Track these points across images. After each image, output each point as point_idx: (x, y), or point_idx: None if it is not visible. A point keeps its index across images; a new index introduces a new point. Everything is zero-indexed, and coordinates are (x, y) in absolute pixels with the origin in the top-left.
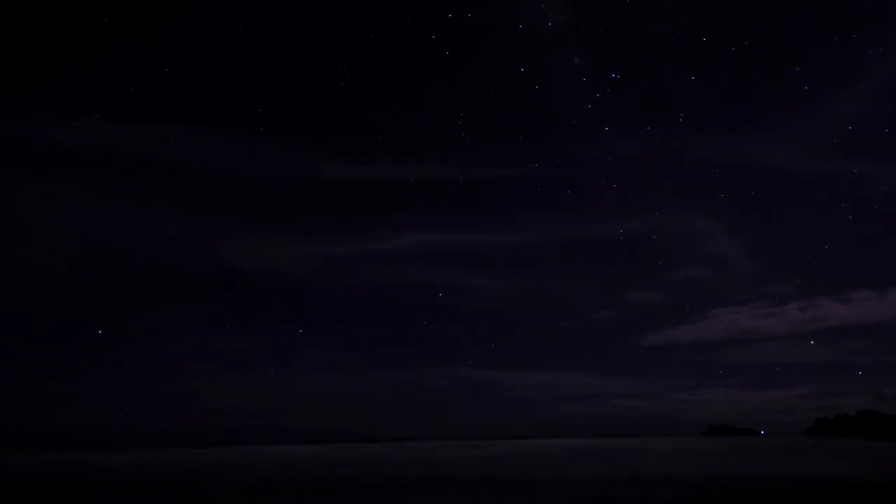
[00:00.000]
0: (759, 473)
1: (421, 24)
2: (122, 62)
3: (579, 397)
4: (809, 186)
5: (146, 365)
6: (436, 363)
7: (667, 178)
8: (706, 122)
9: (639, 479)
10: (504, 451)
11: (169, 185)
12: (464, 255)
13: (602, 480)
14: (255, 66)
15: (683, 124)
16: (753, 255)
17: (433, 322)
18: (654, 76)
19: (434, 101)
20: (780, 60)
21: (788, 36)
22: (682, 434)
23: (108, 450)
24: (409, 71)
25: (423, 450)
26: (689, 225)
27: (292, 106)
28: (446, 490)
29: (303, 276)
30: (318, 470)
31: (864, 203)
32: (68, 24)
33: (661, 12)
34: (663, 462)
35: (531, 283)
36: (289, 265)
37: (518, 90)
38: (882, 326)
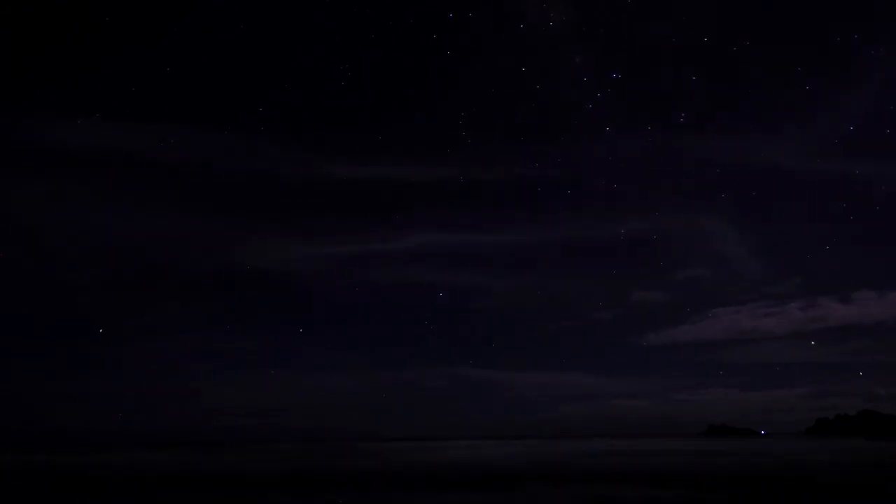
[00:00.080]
0: (759, 473)
1: (422, 24)
2: (122, 62)
3: (579, 397)
4: (810, 186)
5: (146, 365)
6: (436, 363)
7: (667, 178)
8: (707, 122)
9: (638, 479)
10: (504, 451)
11: (169, 185)
12: (464, 255)
13: (602, 480)
14: (255, 66)
15: (684, 124)
16: (754, 255)
17: (433, 322)
18: (654, 76)
19: (434, 101)
20: (781, 60)
21: (789, 36)
22: (682, 434)
23: (109, 450)
24: (409, 71)
25: (424, 450)
26: (690, 225)
27: (292, 106)
28: (447, 490)
29: (303, 276)
30: (318, 468)
31: (864, 203)
32: (68, 24)
33: (661, 12)
34: (663, 462)
35: (531, 283)
36: (289, 265)
37: (518, 90)
38: (882, 326)
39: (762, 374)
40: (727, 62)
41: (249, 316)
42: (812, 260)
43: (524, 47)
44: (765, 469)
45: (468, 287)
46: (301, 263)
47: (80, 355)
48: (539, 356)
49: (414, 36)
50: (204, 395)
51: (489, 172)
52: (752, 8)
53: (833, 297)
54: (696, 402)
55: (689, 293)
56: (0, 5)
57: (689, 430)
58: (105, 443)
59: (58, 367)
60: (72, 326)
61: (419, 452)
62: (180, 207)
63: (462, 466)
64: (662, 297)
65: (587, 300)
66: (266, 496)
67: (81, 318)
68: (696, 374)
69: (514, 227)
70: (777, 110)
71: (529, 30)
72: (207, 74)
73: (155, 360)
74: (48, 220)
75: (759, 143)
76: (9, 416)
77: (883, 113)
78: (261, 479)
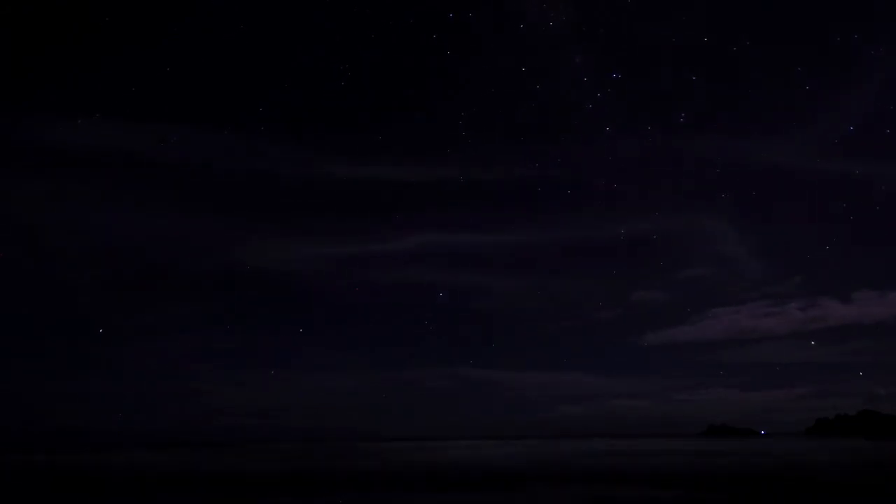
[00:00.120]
0: (759, 473)
1: (422, 24)
2: (122, 62)
3: (579, 397)
4: (810, 186)
5: (146, 365)
6: (436, 363)
7: (667, 178)
8: (707, 122)
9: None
10: (504, 451)
11: (169, 185)
12: (464, 255)
13: (602, 480)
14: (255, 65)
15: (684, 124)
16: (754, 255)
17: (433, 322)
18: (654, 76)
19: (434, 101)
20: (781, 60)
21: (789, 36)
22: (682, 434)
23: (109, 450)
24: (409, 71)
25: (424, 450)
26: (690, 225)
27: (292, 106)
28: (447, 490)
29: (303, 276)
30: (318, 468)
31: (864, 203)
32: (68, 24)
33: (661, 12)
34: (663, 462)
35: (531, 283)
36: (289, 265)
37: (519, 90)
38: (882, 326)
39: (762, 374)
40: (727, 62)
41: (249, 316)
42: (812, 260)
43: (524, 47)
44: (765, 469)
45: (468, 287)
46: (301, 263)
47: (80, 355)
48: (539, 356)
49: (414, 36)
50: (204, 395)
51: (489, 172)
52: (752, 8)
53: (833, 297)
54: (696, 402)
55: (689, 293)
56: (0, 5)
57: (689, 430)
58: (105, 443)
59: (58, 367)
60: (72, 326)
61: (419, 452)
62: (180, 207)
63: (462, 466)
64: (662, 297)
65: (587, 300)
66: (266, 496)
67: (81, 318)
68: (696, 374)
69: (514, 227)
70: (777, 110)
71: (529, 30)
72: (207, 74)
73: (155, 360)
74: (48, 220)
75: (759, 143)
76: (9, 416)
77: (883, 113)
78: (261, 479)
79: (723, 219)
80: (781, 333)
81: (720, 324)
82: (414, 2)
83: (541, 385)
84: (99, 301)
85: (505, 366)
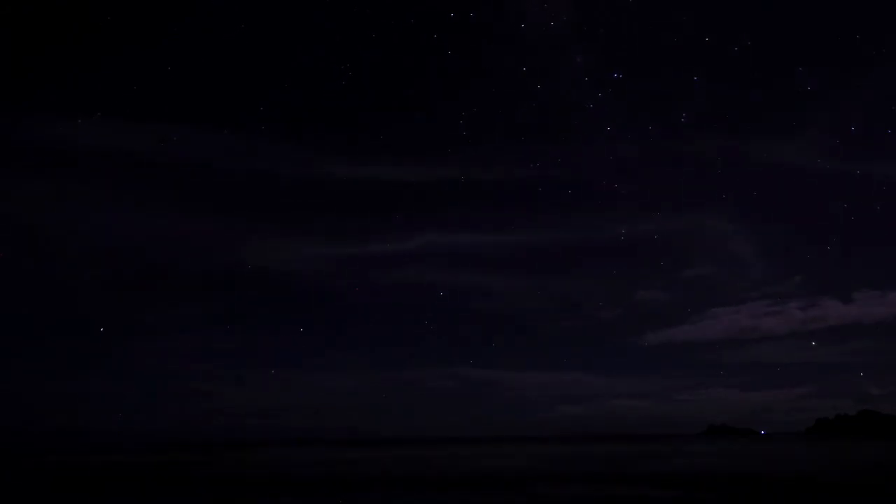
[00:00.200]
0: (759, 473)
1: (422, 24)
2: (123, 62)
3: (579, 397)
4: (810, 186)
5: (146, 365)
6: (437, 363)
7: (667, 178)
8: (707, 122)
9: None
10: (504, 451)
11: (169, 185)
12: (464, 255)
13: (602, 480)
14: (255, 65)
15: (685, 124)
16: (754, 255)
17: (434, 322)
18: (655, 76)
19: (434, 101)
20: (782, 60)
21: (790, 36)
22: (682, 434)
23: (109, 450)
24: (409, 71)
25: (424, 450)
26: (690, 225)
27: (292, 106)
28: (447, 490)
29: (303, 275)
30: (319, 469)
31: (864, 203)
32: (68, 24)
33: (662, 12)
34: (663, 462)
35: (531, 283)
36: (289, 265)
37: (519, 90)
38: (883, 326)
39: (762, 374)
40: (727, 62)
41: (250, 316)
42: (812, 260)
43: (524, 47)
44: (765, 469)
45: (468, 287)
46: (301, 263)
47: (80, 355)
48: (539, 356)
49: (414, 36)
50: (204, 395)
51: (489, 172)
52: (752, 8)
53: (833, 297)
54: (696, 402)
55: (689, 293)
56: (0, 5)
57: (689, 430)
58: (105, 443)
59: (58, 367)
60: (72, 326)
61: (419, 452)
62: (180, 207)
63: (462, 466)
64: (663, 297)
65: (587, 300)
66: (266, 496)
67: (81, 317)
68: (696, 374)
69: (514, 227)
70: (778, 110)
71: (530, 30)
72: (207, 74)
73: (155, 360)
74: (48, 220)
75: (759, 143)
76: (9, 416)
77: (884, 113)
78: (260, 479)
79: (723, 219)
80: (781, 333)
81: (720, 324)
82: (414, 2)
83: (541, 385)
84: (99, 301)
85: (505, 366)
